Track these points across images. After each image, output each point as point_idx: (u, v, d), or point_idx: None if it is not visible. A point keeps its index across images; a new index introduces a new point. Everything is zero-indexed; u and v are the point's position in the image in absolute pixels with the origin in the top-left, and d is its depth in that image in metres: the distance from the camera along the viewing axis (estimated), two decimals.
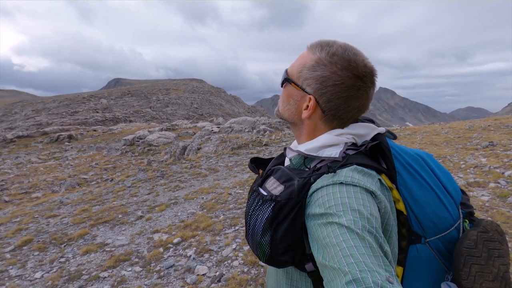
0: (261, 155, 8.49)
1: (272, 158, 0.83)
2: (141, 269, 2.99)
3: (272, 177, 0.68)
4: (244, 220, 2.32)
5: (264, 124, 14.48)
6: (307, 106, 0.68)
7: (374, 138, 0.71)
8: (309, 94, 0.67)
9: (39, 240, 3.89)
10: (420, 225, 0.67)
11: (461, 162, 5.71)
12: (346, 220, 0.52)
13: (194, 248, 3.28)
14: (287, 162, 0.76)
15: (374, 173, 0.63)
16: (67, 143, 15.46)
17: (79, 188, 7.30)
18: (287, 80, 0.71)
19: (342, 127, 0.69)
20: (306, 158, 0.71)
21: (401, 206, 0.66)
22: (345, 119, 0.68)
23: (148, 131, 14.31)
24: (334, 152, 0.66)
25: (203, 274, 2.77)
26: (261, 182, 0.70)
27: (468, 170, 5.17)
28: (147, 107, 36.55)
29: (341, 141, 0.67)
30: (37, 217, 4.88)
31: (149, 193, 5.71)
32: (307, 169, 0.68)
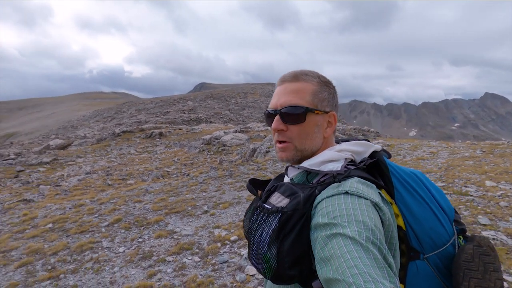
0: None
1: (270, 179, 0.85)
2: (199, 259, 3.28)
3: (276, 192, 0.70)
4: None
5: (336, 130, 13.96)
6: (329, 122, 0.75)
7: (371, 155, 0.74)
8: (329, 112, 0.75)
9: (126, 221, 4.63)
10: (418, 240, 0.69)
11: None
12: (350, 231, 0.52)
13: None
14: (286, 181, 0.77)
15: (375, 186, 0.65)
16: (158, 139, 17.81)
17: (162, 180, 8.36)
18: (310, 110, 0.71)
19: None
20: (309, 174, 0.72)
21: (400, 221, 0.68)
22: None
23: (224, 132, 15.38)
24: (336, 166, 0.68)
25: (252, 275, 2.87)
26: (265, 198, 0.71)
27: None
28: (226, 109, 39.24)
29: (342, 157, 0.70)
30: (127, 200, 5.82)
31: (216, 190, 6.17)
32: (310, 184, 0.69)
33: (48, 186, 8.29)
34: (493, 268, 0.69)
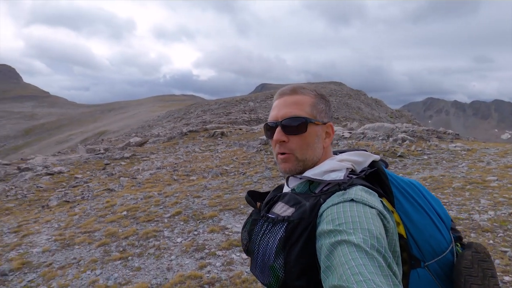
0: (391, 169, 7.56)
1: (269, 191, 0.85)
2: (246, 257, 3.40)
3: (280, 202, 0.71)
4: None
5: (404, 132, 12.71)
6: (327, 133, 0.77)
7: (370, 165, 0.76)
8: (326, 123, 0.78)
9: (185, 214, 5.06)
10: (418, 248, 0.70)
11: None
12: (355, 238, 0.53)
13: None
14: (287, 191, 0.77)
15: (377, 195, 0.66)
16: (219, 139, 18.83)
17: (220, 177, 8.84)
18: (310, 121, 0.73)
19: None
20: (311, 184, 0.73)
21: (401, 229, 0.68)
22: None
23: None
24: (339, 176, 0.69)
25: None
26: (268, 209, 0.73)
27: None
28: None
29: (343, 167, 0.72)
30: (188, 195, 6.33)
31: (269, 191, 6.27)
32: (313, 194, 0.69)
33: (127, 178, 9.54)
34: (491, 274, 0.70)
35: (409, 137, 11.14)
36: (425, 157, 8.61)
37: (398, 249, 0.63)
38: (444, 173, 6.62)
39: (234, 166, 10.71)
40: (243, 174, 8.71)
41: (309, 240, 0.60)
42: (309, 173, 0.72)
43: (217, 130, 20.34)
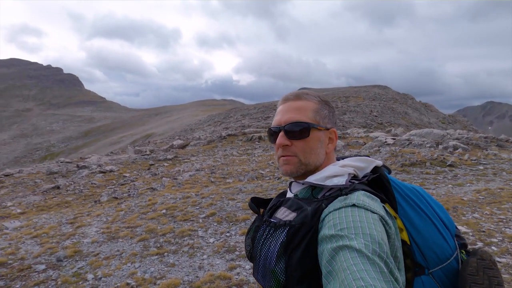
0: (439, 179, 6.96)
1: (272, 198, 0.85)
2: None
3: (282, 207, 0.73)
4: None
5: (457, 139, 11.63)
6: (330, 139, 0.77)
7: (373, 171, 0.74)
8: (330, 129, 0.78)
9: (219, 215, 5.20)
10: (422, 255, 0.69)
11: None
12: (357, 243, 0.53)
13: None
14: (290, 196, 0.78)
15: (379, 200, 0.65)
16: (257, 143, 19.02)
17: (256, 181, 8.92)
18: (313, 126, 0.74)
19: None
20: (314, 189, 0.72)
21: (404, 235, 0.68)
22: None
23: None
24: (341, 181, 0.69)
25: None
26: (270, 213, 0.74)
27: None
28: None
29: (346, 172, 0.71)
30: (223, 197, 6.50)
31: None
32: (315, 199, 0.69)
33: (168, 179, 10.09)
34: (497, 282, 0.69)
35: (462, 145, 10.17)
36: (481, 167, 7.78)
37: (399, 254, 0.62)
38: (503, 186, 5.92)
39: (270, 170, 10.73)
40: (278, 179, 8.69)
41: (310, 244, 0.60)
42: (311, 179, 0.72)
43: (255, 134, 20.58)
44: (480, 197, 5.30)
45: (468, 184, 6.30)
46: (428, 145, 10.55)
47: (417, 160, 8.27)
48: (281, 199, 0.76)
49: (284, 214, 0.70)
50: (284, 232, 0.63)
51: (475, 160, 8.46)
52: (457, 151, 9.69)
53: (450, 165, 7.92)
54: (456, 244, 0.75)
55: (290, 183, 0.79)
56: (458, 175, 7.15)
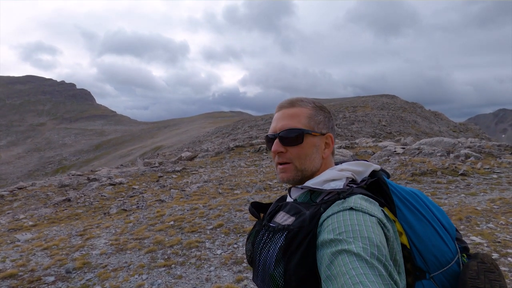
0: (451, 188, 6.79)
1: (272, 203, 0.85)
2: None
3: (281, 212, 0.73)
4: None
5: (468, 147, 11.38)
6: (326, 144, 0.78)
7: (371, 175, 0.75)
8: (325, 134, 0.79)
9: (227, 227, 5.17)
10: (423, 259, 0.68)
11: None
12: (355, 247, 0.53)
13: None
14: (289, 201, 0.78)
15: (377, 204, 0.66)
16: (264, 154, 19.00)
17: (264, 192, 8.87)
18: (307, 132, 0.75)
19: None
20: (312, 194, 0.73)
21: (404, 239, 0.68)
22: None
23: None
24: (339, 185, 0.70)
25: None
26: (270, 218, 0.75)
27: None
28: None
29: (343, 176, 0.72)
30: (231, 209, 6.47)
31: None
32: (313, 204, 0.70)
33: (176, 191, 10.14)
34: (499, 285, 0.67)
35: (474, 153, 9.94)
36: (495, 176, 7.57)
37: (399, 258, 0.62)
38: None
39: (278, 181, 10.68)
40: (285, 190, 8.62)
41: (309, 248, 0.60)
42: (309, 183, 0.73)
43: (263, 145, 20.58)
44: (494, 206, 5.14)
45: (482, 194, 6.13)
46: (438, 154, 10.35)
47: (427, 169, 8.11)
48: (280, 204, 0.77)
49: (283, 218, 0.70)
50: (283, 236, 0.64)
51: (488, 168, 8.24)
52: (469, 159, 9.47)
53: (462, 174, 7.73)
54: (457, 247, 0.74)
55: (290, 188, 0.80)
56: (471, 184, 6.97)
